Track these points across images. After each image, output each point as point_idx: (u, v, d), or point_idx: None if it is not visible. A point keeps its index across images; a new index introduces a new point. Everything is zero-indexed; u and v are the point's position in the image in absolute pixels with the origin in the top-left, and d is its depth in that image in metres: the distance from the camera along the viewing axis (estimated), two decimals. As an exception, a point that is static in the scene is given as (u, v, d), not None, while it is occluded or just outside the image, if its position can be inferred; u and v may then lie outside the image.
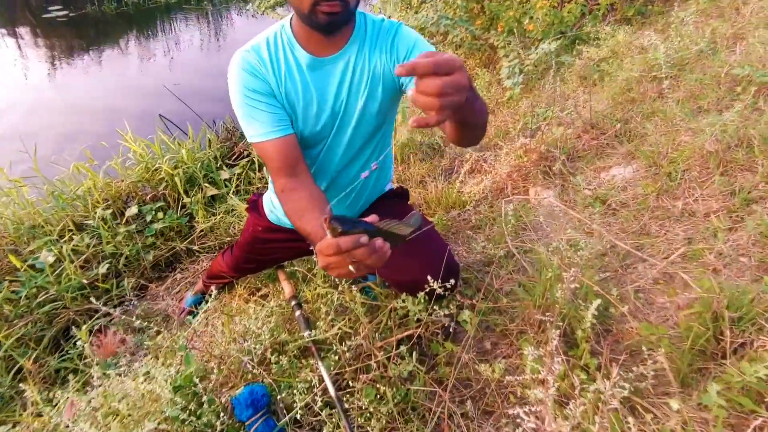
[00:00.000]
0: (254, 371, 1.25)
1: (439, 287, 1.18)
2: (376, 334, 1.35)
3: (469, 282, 1.60)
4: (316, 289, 1.66)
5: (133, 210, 2.48)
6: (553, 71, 2.81)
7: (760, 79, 1.91)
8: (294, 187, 1.16)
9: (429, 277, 1.19)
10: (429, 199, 2.21)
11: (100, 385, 1.21)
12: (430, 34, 3.91)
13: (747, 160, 1.63)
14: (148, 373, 1.26)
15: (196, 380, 1.15)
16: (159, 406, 1.17)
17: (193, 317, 1.92)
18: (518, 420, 0.96)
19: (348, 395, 1.18)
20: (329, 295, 1.49)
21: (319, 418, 1.16)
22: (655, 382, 1.04)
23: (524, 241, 1.71)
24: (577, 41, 3.44)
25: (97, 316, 2.05)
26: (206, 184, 2.70)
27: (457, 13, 3.81)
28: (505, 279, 1.56)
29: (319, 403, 1.13)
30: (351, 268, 0.74)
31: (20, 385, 1.39)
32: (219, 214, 2.54)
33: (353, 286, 1.42)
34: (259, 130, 1.16)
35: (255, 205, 1.68)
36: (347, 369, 1.26)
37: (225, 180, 2.78)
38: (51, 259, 2.14)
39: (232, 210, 2.55)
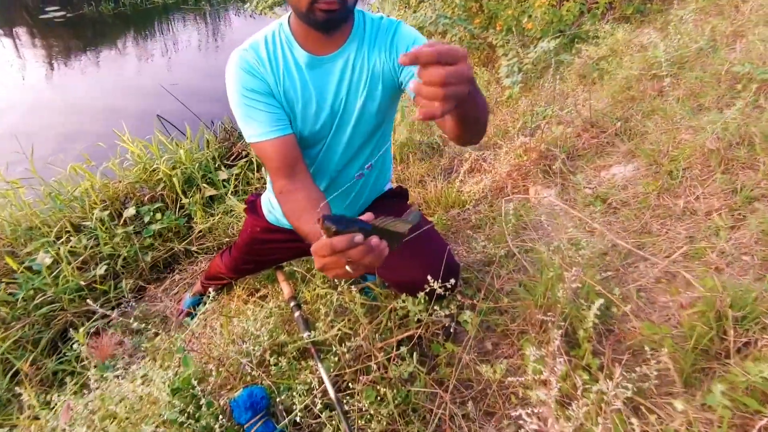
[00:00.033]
0: (253, 373, 1.24)
1: (440, 287, 1.17)
2: (376, 335, 1.34)
3: (470, 282, 1.59)
4: (315, 289, 1.65)
5: (130, 211, 2.46)
6: (553, 69, 2.80)
7: (761, 76, 1.90)
8: (293, 188, 1.14)
9: (429, 277, 1.18)
10: (428, 199, 2.19)
11: (97, 388, 1.20)
12: (428, 33, 3.89)
13: (748, 158, 1.62)
14: (145, 375, 1.24)
15: (195, 382, 1.14)
16: (157, 408, 1.15)
17: (192, 319, 1.90)
18: (520, 421, 0.95)
19: (348, 397, 1.17)
20: (328, 296, 1.47)
21: (318, 420, 1.15)
22: (657, 382, 1.03)
23: (525, 240, 1.70)
24: (576, 40, 3.42)
25: (94, 318, 2.03)
26: (204, 185, 2.69)
27: (456, 12, 3.79)
28: (505, 279, 1.55)
29: (319, 405, 1.12)
30: (348, 268, 0.72)
31: (17, 388, 1.38)
32: (217, 215, 2.52)
33: (353, 287, 1.41)
34: (257, 130, 1.14)
35: (253, 206, 1.66)
36: (347, 370, 1.24)
37: (223, 180, 2.76)
38: (48, 260, 2.12)
39: (231, 210, 2.53)
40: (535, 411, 0.96)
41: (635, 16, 3.49)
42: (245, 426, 1.13)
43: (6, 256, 2.13)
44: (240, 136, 3.16)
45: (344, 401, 1.15)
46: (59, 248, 2.18)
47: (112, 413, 1.16)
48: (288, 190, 1.14)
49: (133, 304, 2.17)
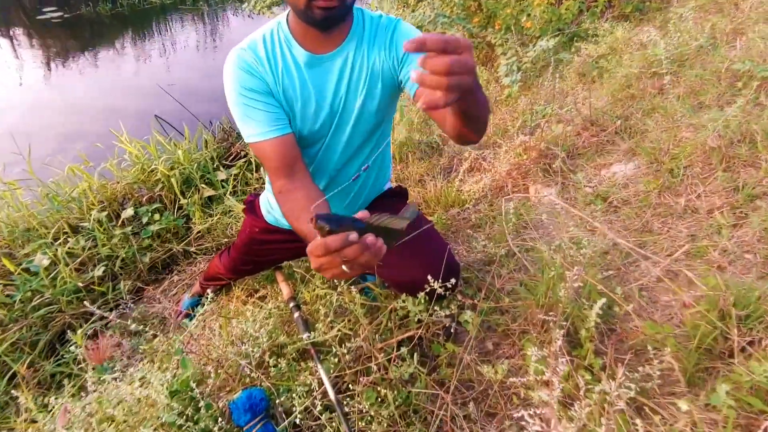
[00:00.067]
0: (252, 375, 1.23)
1: (440, 287, 1.16)
2: (376, 336, 1.33)
3: (470, 281, 1.58)
4: (314, 290, 1.64)
5: (129, 212, 2.45)
6: (552, 68, 2.79)
7: (762, 74, 1.89)
8: (292, 188, 1.13)
9: (429, 277, 1.17)
10: (428, 198, 2.18)
11: (94, 391, 1.19)
12: (427, 32, 3.88)
13: (750, 155, 1.62)
14: (143, 377, 1.23)
15: (193, 385, 1.13)
16: (155, 411, 1.14)
17: (190, 320, 1.89)
18: (523, 423, 0.94)
19: (348, 398, 1.15)
20: (328, 297, 1.46)
21: (318, 422, 1.14)
22: (660, 382, 1.02)
23: (525, 239, 1.69)
24: (575, 38, 3.42)
25: (92, 319, 2.02)
26: (203, 185, 2.68)
27: (455, 11, 3.78)
28: (506, 278, 1.54)
29: (319, 407, 1.11)
30: (344, 268, 0.70)
31: (15, 390, 1.36)
32: (216, 215, 2.51)
33: (352, 287, 1.39)
34: (256, 129, 1.13)
35: (252, 206, 1.65)
36: (347, 371, 1.23)
37: (222, 181, 2.75)
38: (46, 262, 2.11)
39: (230, 211, 2.52)
40: (538, 412, 0.95)
41: (634, 15, 3.48)
42: (244, 428, 1.11)
43: (3, 258, 2.11)
44: (238, 136, 3.15)
45: (344, 403, 1.14)
46: (57, 249, 2.16)
47: (110, 416, 1.15)
48: (287, 190, 1.13)
49: (132, 305, 2.15)
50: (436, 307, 1.21)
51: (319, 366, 1.23)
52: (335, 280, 1.51)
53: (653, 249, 1.50)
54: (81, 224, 2.40)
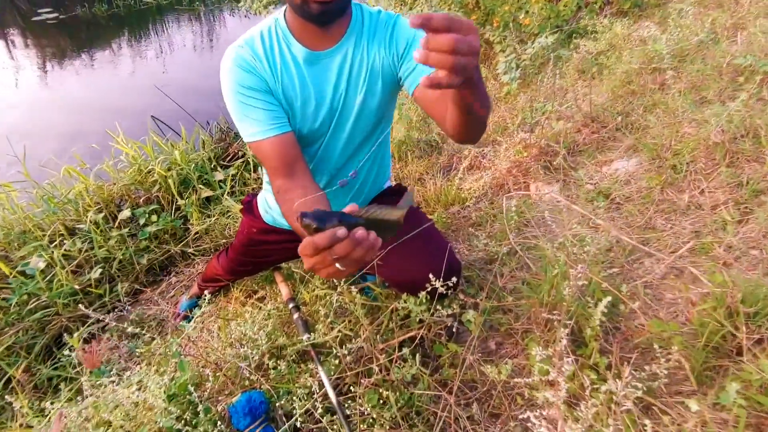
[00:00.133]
0: (251, 377, 1.21)
1: (441, 286, 1.14)
2: (378, 336, 1.31)
3: (472, 281, 1.56)
4: (314, 290, 1.62)
5: (125, 213, 2.43)
6: (552, 64, 2.77)
7: (764, 68, 1.87)
8: (291, 187, 1.10)
9: (431, 276, 1.14)
10: (428, 197, 2.17)
11: (91, 395, 1.16)
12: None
13: (754, 150, 1.60)
14: (141, 381, 1.21)
15: (191, 388, 1.10)
16: (153, 415, 1.12)
17: (189, 322, 1.87)
18: (528, 424, 0.92)
19: (349, 401, 1.13)
20: (328, 297, 1.44)
21: (320, 425, 1.12)
22: (667, 381, 1.00)
23: (527, 237, 1.67)
24: (573, 35, 3.40)
25: (90, 322, 2.00)
26: (200, 186, 2.65)
27: (452, 9, 3.76)
28: (508, 277, 1.52)
29: (320, 410, 1.09)
30: (338, 265, 0.67)
31: (11, 395, 1.34)
32: (214, 216, 2.49)
33: (353, 287, 1.37)
34: (255, 128, 1.10)
35: (249, 207, 1.63)
36: (348, 373, 1.21)
37: (219, 181, 2.73)
38: (42, 264, 2.09)
39: (228, 211, 2.50)
40: (544, 413, 0.93)
41: (633, 11, 3.46)
42: (244, 432, 1.09)
43: (-2, 261, 2.09)
44: (236, 136, 3.13)
45: (346, 405, 1.12)
46: (53, 252, 2.14)
47: (106, 421, 1.13)
48: (286, 190, 1.10)
49: (129, 307, 2.13)
50: (437, 307, 1.19)
51: (320, 368, 1.21)
52: (335, 280, 1.49)
53: (657, 246, 1.48)
54: (77, 226, 2.37)
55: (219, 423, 1.06)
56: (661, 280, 1.37)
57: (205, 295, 1.43)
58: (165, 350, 1.33)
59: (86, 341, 1.93)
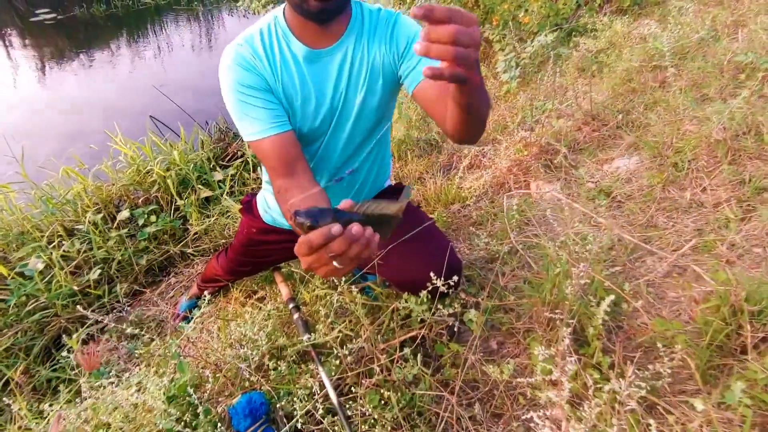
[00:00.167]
0: (252, 378, 1.20)
1: (442, 285, 1.13)
2: (378, 336, 1.30)
3: (473, 280, 1.55)
4: (314, 290, 1.61)
5: (124, 214, 2.42)
6: (552, 63, 2.77)
7: (765, 65, 1.86)
8: (292, 187, 1.09)
9: (432, 275, 1.14)
10: (428, 196, 2.16)
11: (89, 397, 1.15)
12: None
13: (756, 147, 1.59)
14: (140, 382, 1.20)
15: (191, 390, 1.09)
16: (152, 417, 1.11)
17: (188, 322, 1.86)
18: (531, 425, 0.91)
19: (351, 401, 1.12)
20: (328, 297, 1.44)
21: (321, 426, 1.11)
22: (671, 380, 0.99)
23: (528, 236, 1.67)
24: (573, 33, 3.39)
25: (88, 323, 1.99)
26: (200, 186, 2.64)
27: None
28: (509, 276, 1.51)
29: (321, 411, 1.08)
30: (335, 263, 0.65)
31: (9, 397, 1.33)
32: (213, 216, 2.48)
33: (353, 287, 1.36)
34: (255, 127, 1.09)
35: (249, 206, 1.62)
36: (349, 373, 1.20)
37: (219, 181, 2.72)
38: (40, 266, 2.07)
39: (227, 212, 2.49)
40: (547, 413, 0.92)
41: (632, 9, 3.46)
42: (244, 434, 1.08)
43: (-3, 262, 2.08)
44: (235, 136, 3.12)
45: (347, 406, 1.11)
46: (51, 253, 2.13)
47: (105, 423, 1.12)
48: (287, 189, 1.09)
49: (128, 308, 2.12)
50: (439, 306, 1.18)
51: (320, 368, 1.20)
52: (335, 280, 1.48)
53: (659, 244, 1.47)
54: (76, 227, 2.36)
55: (219, 425, 1.05)
56: (663, 278, 1.36)
57: (205, 296, 1.42)
58: (164, 351, 1.32)
59: (85, 342, 1.92)
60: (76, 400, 1.24)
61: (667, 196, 1.62)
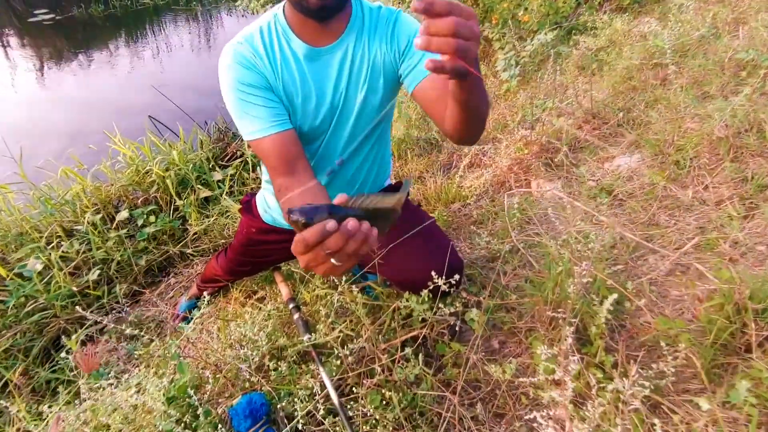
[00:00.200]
0: (252, 379, 1.19)
1: (444, 284, 1.12)
2: (379, 336, 1.29)
3: (474, 279, 1.54)
4: (314, 290, 1.60)
5: (123, 214, 2.40)
6: (552, 61, 2.76)
7: (767, 62, 1.85)
8: (293, 186, 1.08)
9: (433, 273, 1.13)
10: (428, 195, 2.15)
11: (88, 399, 1.14)
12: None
13: (758, 145, 1.58)
14: (139, 383, 1.19)
15: (191, 391, 1.08)
16: (152, 418, 1.10)
17: (188, 323, 1.85)
18: (535, 425, 0.90)
19: (352, 402, 1.12)
20: (329, 297, 1.43)
21: (322, 427, 1.10)
22: (674, 379, 0.98)
23: (529, 235, 1.66)
24: (573, 31, 3.38)
25: (87, 324, 1.98)
26: (199, 186, 2.63)
27: (451, 6, 3.74)
28: (511, 275, 1.50)
29: (322, 411, 1.07)
30: (333, 261, 0.64)
31: (8, 398, 1.32)
32: (213, 216, 2.47)
33: (353, 286, 1.35)
34: (255, 126, 1.07)
35: (248, 206, 1.61)
36: (350, 374, 1.19)
37: (218, 181, 2.71)
38: (39, 266, 2.06)
39: (226, 212, 2.48)
40: (550, 413, 0.91)
41: (632, 6, 3.45)
42: (245, 435, 1.08)
43: (-5, 263, 2.07)
44: (234, 136, 3.11)
45: (348, 406, 1.10)
46: (50, 254, 2.12)
47: (105, 425, 1.11)
48: (288, 188, 1.08)
49: (128, 309, 2.11)
50: (440, 305, 1.18)
51: (321, 368, 1.19)
52: (335, 280, 1.47)
53: (661, 242, 1.46)
54: (75, 227, 2.35)
55: (220, 426, 1.04)
56: (665, 276, 1.35)
57: (204, 297, 1.41)
58: (164, 352, 1.31)
59: (84, 343, 1.91)
60: (76, 401, 1.23)
61: (668, 194, 1.62)
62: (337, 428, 1.08)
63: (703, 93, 1.99)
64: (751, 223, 1.38)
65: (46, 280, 2.07)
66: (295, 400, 1.11)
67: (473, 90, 0.80)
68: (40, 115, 4.47)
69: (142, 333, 1.25)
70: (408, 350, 1.19)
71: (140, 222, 2.43)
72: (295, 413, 1.08)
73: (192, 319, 1.84)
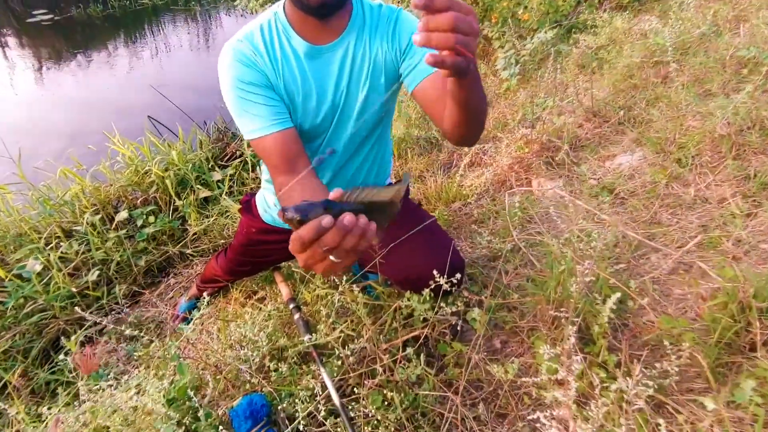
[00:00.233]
0: (252, 380, 1.18)
1: (446, 282, 1.12)
2: (381, 336, 1.28)
3: (475, 278, 1.53)
4: (315, 290, 1.59)
5: (123, 215, 2.39)
6: (552, 59, 2.75)
7: (768, 60, 1.85)
8: (294, 184, 1.07)
9: (435, 272, 1.12)
10: (428, 194, 2.14)
11: (87, 400, 1.13)
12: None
13: (761, 142, 1.57)
14: (139, 385, 1.18)
15: (191, 393, 1.08)
16: (152, 420, 1.09)
17: (187, 324, 1.84)
18: (538, 425, 0.90)
19: (353, 402, 1.11)
20: (329, 297, 1.42)
21: (323, 428, 1.09)
22: (678, 378, 0.97)
23: (531, 234, 1.65)
24: (573, 30, 3.38)
25: (87, 325, 1.97)
26: (198, 186, 2.62)
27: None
28: (512, 274, 1.49)
29: (323, 412, 1.06)
30: (332, 258, 0.62)
31: (7, 400, 1.31)
32: (212, 217, 2.46)
33: (354, 286, 1.35)
34: (256, 124, 1.06)
35: (248, 206, 1.60)
36: (351, 374, 1.19)
37: (218, 181, 2.70)
38: (38, 267, 2.05)
39: (226, 212, 2.47)
40: (554, 414, 0.91)
41: (633, 5, 3.44)
42: (246, 436, 1.07)
43: (-6, 264, 2.06)
44: (233, 136, 3.10)
45: (349, 407, 1.09)
46: (49, 255, 2.11)
47: (104, 427, 1.10)
48: (288, 188, 1.07)
49: (127, 310, 2.10)
50: (442, 304, 1.17)
51: (322, 369, 1.18)
52: (336, 279, 1.46)
53: (663, 241, 1.46)
54: (74, 228, 2.34)
55: (220, 428, 1.04)
56: (668, 275, 1.34)
57: (204, 298, 1.41)
58: (164, 353, 1.30)
59: (84, 344, 1.90)
60: (75, 403, 1.22)
61: (670, 192, 1.61)
62: (339, 429, 1.07)
63: (704, 91, 1.98)
64: (755, 221, 1.37)
65: (45, 281, 2.06)
66: (296, 401, 1.10)
67: (472, 89, 0.80)
68: (38, 116, 4.46)
69: (141, 334, 1.24)
70: (409, 350, 1.18)
71: (139, 222, 2.42)
72: (296, 414, 1.07)
73: (191, 319, 1.83)
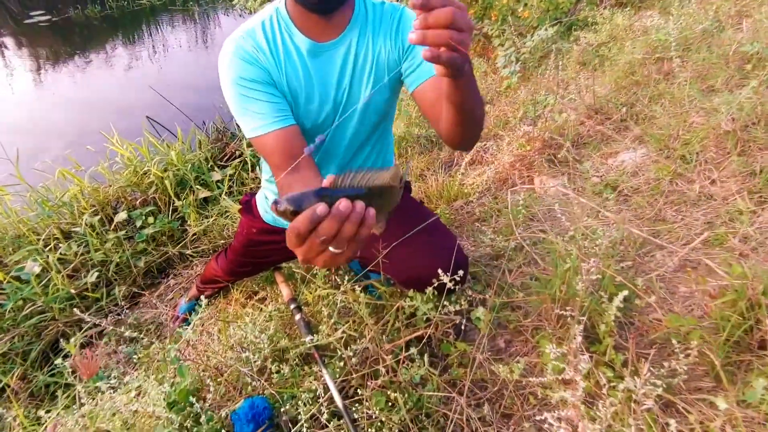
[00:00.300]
0: (254, 383, 1.16)
1: (449, 281, 1.10)
2: (383, 336, 1.26)
3: (478, 277, 1.51)
4: (316, 290, 1.57)
5: (122, 215, 2.38)
6: (554, 56, 2.73)
7: (772, 55, 1.83)
8: (296, 183, 1.05)
9: (439, 270, 1.10)
10: (430, 193, 2.13)
11: (84, 404, 1.12)
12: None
13: (766, 138, 1.56)
14: (139, 387, 1.17)
15: (193, 400, 1.06)
16: (152, 423, 1.08)
17: (187, 325, 1.82)
18: (545, 425, 0.88)
19: (356, 404, 1.09)
20: (331, 297, 1.40)
21: (326, 430, 1.07)
22: (686, 377, 0.96)
23: (534, 232, 1.63)
24: (573, 27, 3.36)
25: (86, 327, 1.95)
26: (198, 187, 2.61)
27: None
28: (516, 273, 1.48)
29: (326, 414, 1.05)
30: (332, 249, 0.58)
31: (6, 403, 1.30)
32: (212, 217, 2.45)
33: (356, 286, 1.33)
34: (257, 122, 1.04)
35: (248, 206, 1.58)
36: (354, 375, 1.17)
37: (217, 182, 2.68)
38: (37, 269, 2.04)
39: (226, 212, 2.45)
40: (562, 414, 0.89)
41: (633, 1, 3.43)
42: (248, 439, 1.05)
43: (-8, 266, 2.04)
44: (233, 136, 3.09)
45: (352, 409, 1.08)
46: (48, 256, 2.09)
47: (104, 430, 1.08)
48: (290, 185, 1.05)
49: (127, 311, 2.08)
50: (445, 303, 1.15)
51: (324, 370, 1.16)
52: (337, 279, 1.45)
53: (668, 238, 1.44)
54: (73, 229, 2.32)
55: (222, 431, 1.02)
56: (674, 273, 1.33)
57: (201, 300, 1.39)
58: (164, 356, 1.28)
59: (83, 346, 1.89)
60: (74, 406, 1.20)
61: (675, 189, 1.59)
62: (342, 431, 1.05)
63: (707, 87, 1.97)
64: (761, 217, 1.35)
65: (44, 282, 2.05)
66: (299, 403, 1.09)
67: (467, 91, 0.80)
68: (37, 116, 4.44)
69: (141, 335, 1.22)
70: (413, 350, 1.16)
71: (139, 223, 2.40)
72: (299, 417, 1.06)
73: (192, 320, 1.81)
